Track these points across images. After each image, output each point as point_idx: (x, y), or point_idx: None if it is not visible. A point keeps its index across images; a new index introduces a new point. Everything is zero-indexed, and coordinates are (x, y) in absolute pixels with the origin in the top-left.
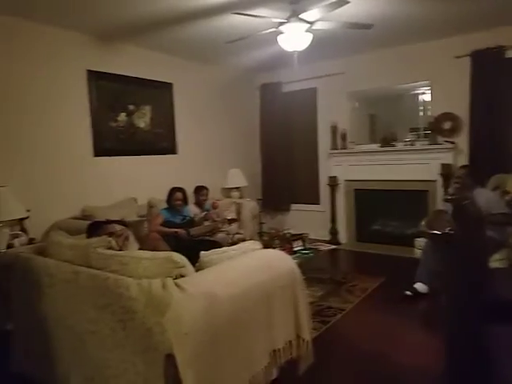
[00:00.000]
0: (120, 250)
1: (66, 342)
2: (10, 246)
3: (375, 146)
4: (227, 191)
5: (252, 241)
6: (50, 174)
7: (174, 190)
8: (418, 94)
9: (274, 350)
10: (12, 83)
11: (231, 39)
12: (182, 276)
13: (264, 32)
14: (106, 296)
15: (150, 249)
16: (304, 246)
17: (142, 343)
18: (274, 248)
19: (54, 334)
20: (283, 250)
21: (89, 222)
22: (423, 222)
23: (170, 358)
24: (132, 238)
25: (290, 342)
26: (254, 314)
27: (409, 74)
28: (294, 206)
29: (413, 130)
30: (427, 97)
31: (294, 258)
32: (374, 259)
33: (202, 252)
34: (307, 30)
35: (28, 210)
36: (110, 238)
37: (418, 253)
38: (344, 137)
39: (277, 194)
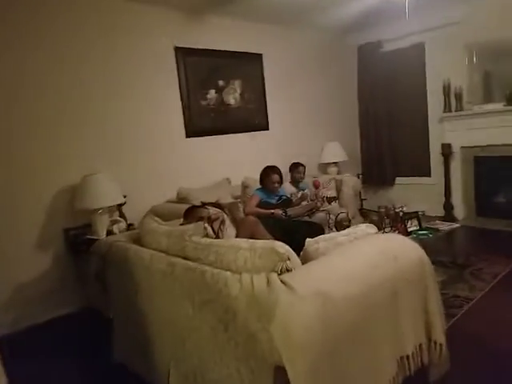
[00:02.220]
0: (217, 236)
1: (165, 337)
2: (109, 233)
3: (500, 106)
4: (324, 167)
5: (366, 224)
6: (145, 159)
7: (269, 172)
8: None
9: (402, 357)
10: (101, 71)
11: None
12: (288, 270)
13: None
14: (203, 292)
15: (248, 234)
16: (420, 225)
17: (245, 349)
18: (384, 229)
19: (153, 327)
20: (396, 231)
21: (185, 206)
22: None
23: (280, 371)
24: (228, 222)
25: (421, 345)
26: (378, 315)
27: None
28: (398, 180)
29: None
30: None
31: None
32: (499, 237)
33: (308, 239)
34: None
35: (124, 196)
36: (206, 225)
37: None
38: (459, 97)
39: (379, 168)
